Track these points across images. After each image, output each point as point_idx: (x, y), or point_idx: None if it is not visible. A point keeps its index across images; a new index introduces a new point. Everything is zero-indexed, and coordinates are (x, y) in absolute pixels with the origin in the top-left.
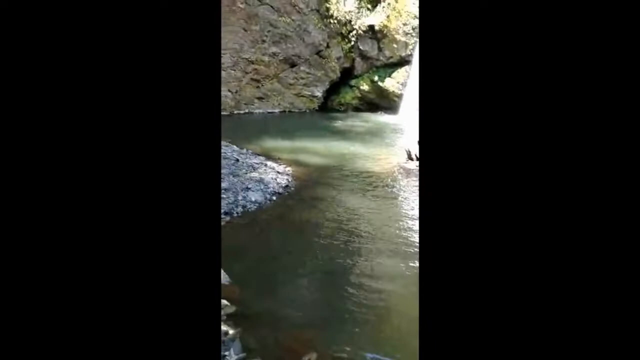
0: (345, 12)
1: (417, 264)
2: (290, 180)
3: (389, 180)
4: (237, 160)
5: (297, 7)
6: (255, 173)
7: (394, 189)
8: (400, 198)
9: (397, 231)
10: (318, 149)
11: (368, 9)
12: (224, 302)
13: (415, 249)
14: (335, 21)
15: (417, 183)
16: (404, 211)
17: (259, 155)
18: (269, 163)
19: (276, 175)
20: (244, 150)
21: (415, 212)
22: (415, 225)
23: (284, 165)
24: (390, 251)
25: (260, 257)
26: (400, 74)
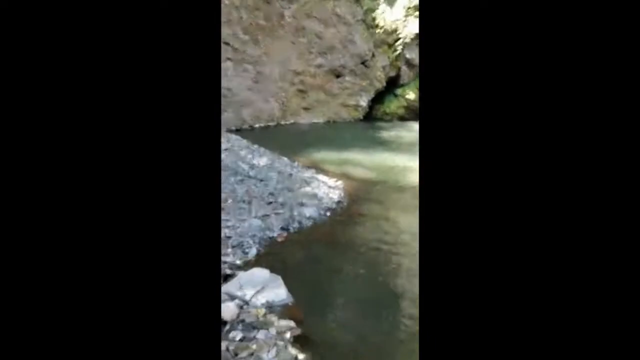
0: (392, 21)
1: None
2: (341, 195)
3: None
4: (291, 175)
5: (343, 19)
6: (308, 188)
7: None
8: None
9: None
10: (366, 162)
11: (415, 16)
12: (290, 323)
13: None
14: (381, 30)
15: None
16: None
17: (309, 168)
18: (320, 177)
19: (328, 190)
20: (295, 164)
21: None
22: None
23: (335, 179)
24: None
25: (318, 277)
26: None
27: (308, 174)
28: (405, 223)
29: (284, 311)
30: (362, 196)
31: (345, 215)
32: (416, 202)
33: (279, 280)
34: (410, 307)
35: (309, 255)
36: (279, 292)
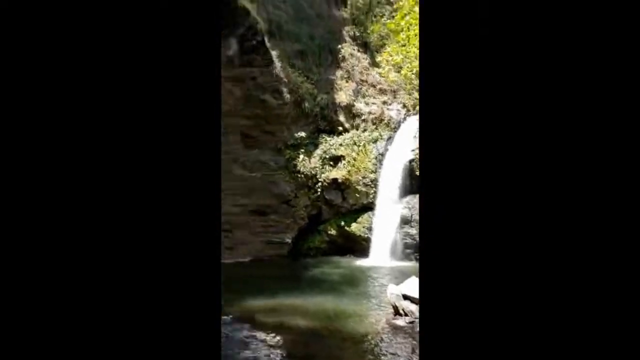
0: (311, 168)
1: None
2: (284, 356)
3: (382, 344)
4: (227, 336)
5: (266, 164)
6: (248, 351)
7: (390, 356)
8: None
9: None
10: (300, 307)
11: (330, 165)
12: None
13: None
14: (302, 175)
15: (409, 342)
16: None
17: (243, 322)
18: (258, 334)
19: (269, 350)
20: (227, 318)
21: None
22: None
23: (273, 334)
24: None
25: None
26: (364, 218)
27: (244, 333)
28: None
29: None
30: (304, 355)
31: None
32: (360, 355)
33: None
34: None
35: None
36: None
